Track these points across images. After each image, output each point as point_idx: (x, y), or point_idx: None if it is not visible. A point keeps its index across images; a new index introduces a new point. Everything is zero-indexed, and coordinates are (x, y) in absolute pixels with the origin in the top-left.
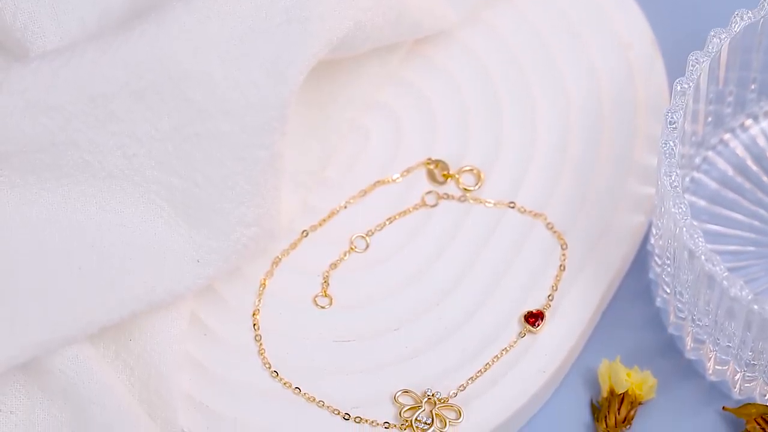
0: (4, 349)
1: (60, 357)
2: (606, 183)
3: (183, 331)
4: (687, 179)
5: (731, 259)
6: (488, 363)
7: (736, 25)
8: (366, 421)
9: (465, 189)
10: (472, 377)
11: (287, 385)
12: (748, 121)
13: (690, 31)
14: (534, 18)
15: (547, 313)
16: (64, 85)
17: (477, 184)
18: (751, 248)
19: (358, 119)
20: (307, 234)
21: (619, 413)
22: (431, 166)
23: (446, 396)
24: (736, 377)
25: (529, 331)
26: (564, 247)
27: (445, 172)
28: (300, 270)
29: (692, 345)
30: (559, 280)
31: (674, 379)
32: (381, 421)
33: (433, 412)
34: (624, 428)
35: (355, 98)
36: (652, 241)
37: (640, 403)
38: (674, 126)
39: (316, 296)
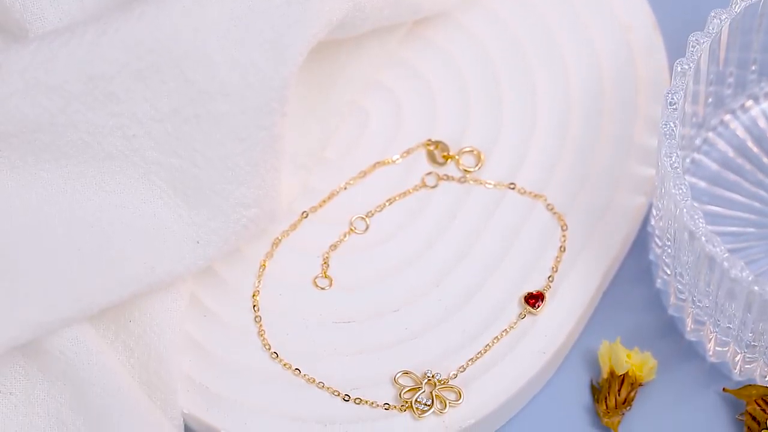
0: (4, 329)
1: (60, 338)
2: (606, 164)
3: (183, 312)
4: (687, 160)
5: (732, 240)
6: (488, 344)
7: (737, 6)
8: (366, 402)
9: (465, 170)
10: (472, 358)
11: (287, 366)
12: (749, 102)
13: (690, 12)
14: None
15: (547, 295)
16: (63, 65)
17: (477, 165)
18: (752, 229)
19: (358, 100)
20: (307, 215)
21: (619, 394)
22: (431, 147)
23: (446, 377)
24: (737, 358)
25: (530, 312)
26: (564, 228)
27: (445, 153)
28: (300, 251)
29: (693, 326)
30: (559, 262)
31: (674, 360)
32: (381, 403)
33: (433, 393)
34: (624, 409)
35: (355, 79)
36: (653, 222)
37: (640, 385)
38: (674, 107)
39: (316, 277)
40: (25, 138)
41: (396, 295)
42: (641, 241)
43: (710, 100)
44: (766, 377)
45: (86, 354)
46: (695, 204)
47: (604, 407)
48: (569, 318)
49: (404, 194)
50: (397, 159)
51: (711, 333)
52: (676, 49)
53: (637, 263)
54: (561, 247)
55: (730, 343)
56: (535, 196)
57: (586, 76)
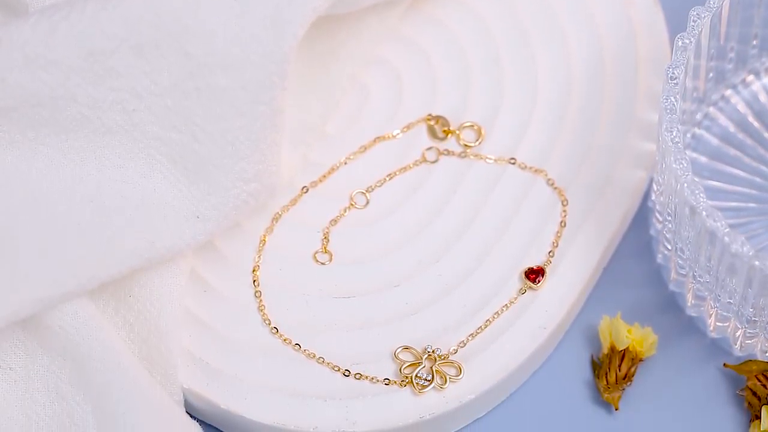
0: (4, 304)
1: (59, 313)
2: (607, 139)
3: (183, 287)
4: (688, 135)
5: (732, 216)
6: (489, 319)
7: None
8: (366, 377)
9: (465, 145)
10: (472, 334)
11: (287, 341)
12: (750, 77)
13: None
14: None
15: (547, 270)
16: (63, 39)
17: (478, 140)
18: (753, 204)
19: (359, 75)
20: (307, 190)
21: (619, 370)
22: (432, 122)
23: (446, 352)
24: (737, 334)
25: (530, 287)
26: (565, 203)
27: (446, 128)
28: (300, 226)
29: (693, 301)
30: (559, 237)
31: (675, 335)
32: (381, 378)
33: (434, 368)
34: (624, 385)
35: (355, 54)
36: (653, 197)
37: (640, 360)
38: (675, 81)
39: (316, 252)
40: (24, 112)
41: (396, 270)
42: (642, 216)
43: (711, 74)
44: (766, 352)
45: (86, 329)
46: (696, 179)
47: (605, 382)
48: (570, 293)
49: (404, 169)
50: (398, 134)
51: (712, 308)
52: (676, 24)
53: (637, 238)
54: (561, 222)
55: (730, 318)
56: (536, 171)
57: (586, 51)
